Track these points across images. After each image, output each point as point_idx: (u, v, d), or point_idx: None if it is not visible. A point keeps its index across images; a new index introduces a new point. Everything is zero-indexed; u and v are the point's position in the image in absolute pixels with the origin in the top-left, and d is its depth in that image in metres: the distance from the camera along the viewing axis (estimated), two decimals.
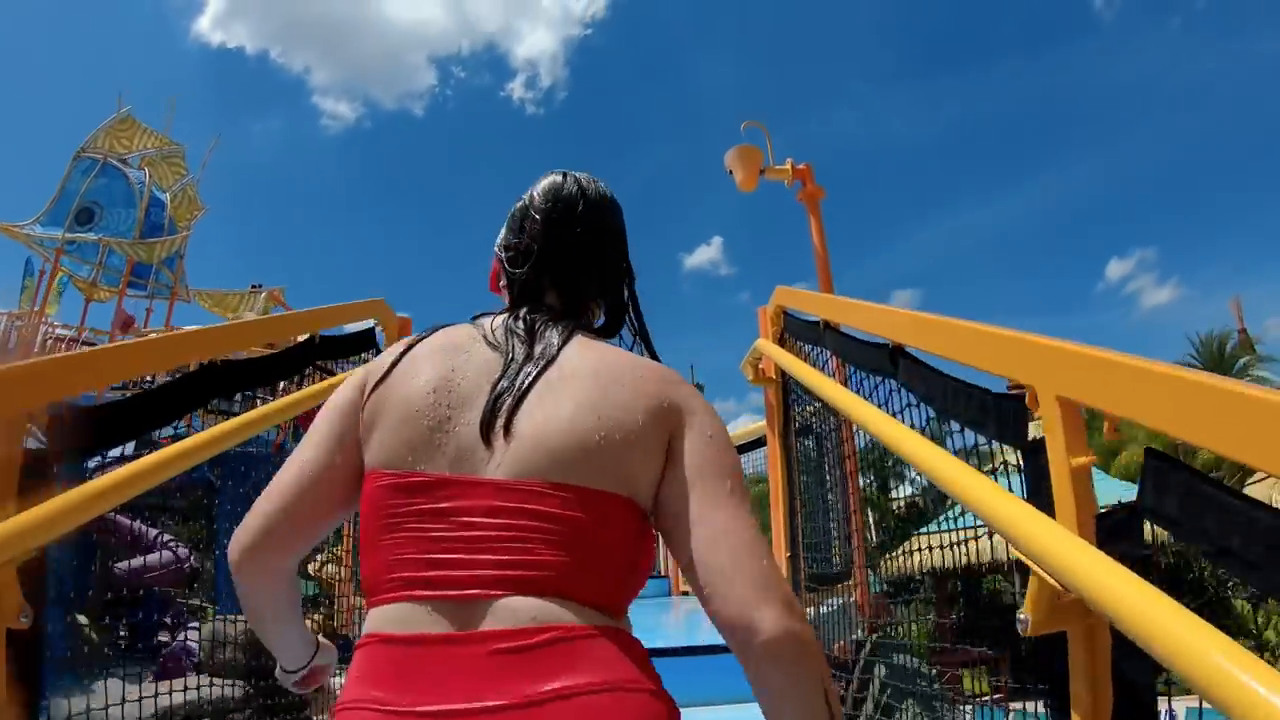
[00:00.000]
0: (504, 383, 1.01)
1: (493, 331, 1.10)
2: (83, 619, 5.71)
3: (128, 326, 14.95)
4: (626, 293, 1.26)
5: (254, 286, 21.01)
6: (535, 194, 1.23)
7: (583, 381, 1.01)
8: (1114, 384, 1.29)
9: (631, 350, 1.20)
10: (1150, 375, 1.19)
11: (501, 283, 1.24)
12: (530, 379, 1.01)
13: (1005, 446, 1.74)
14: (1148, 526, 1.32)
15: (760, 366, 4.40)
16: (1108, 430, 1.39)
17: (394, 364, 1.06)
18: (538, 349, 1.06)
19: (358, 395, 1.07)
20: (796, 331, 3.72)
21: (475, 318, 1.16)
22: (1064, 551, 1.17)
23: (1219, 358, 32.46)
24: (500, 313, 1.16)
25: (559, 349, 1.06)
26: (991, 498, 1.42)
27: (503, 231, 1.26)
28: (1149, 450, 1.29)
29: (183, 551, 7.11)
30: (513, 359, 1.05)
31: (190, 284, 18.93)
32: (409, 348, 1.09)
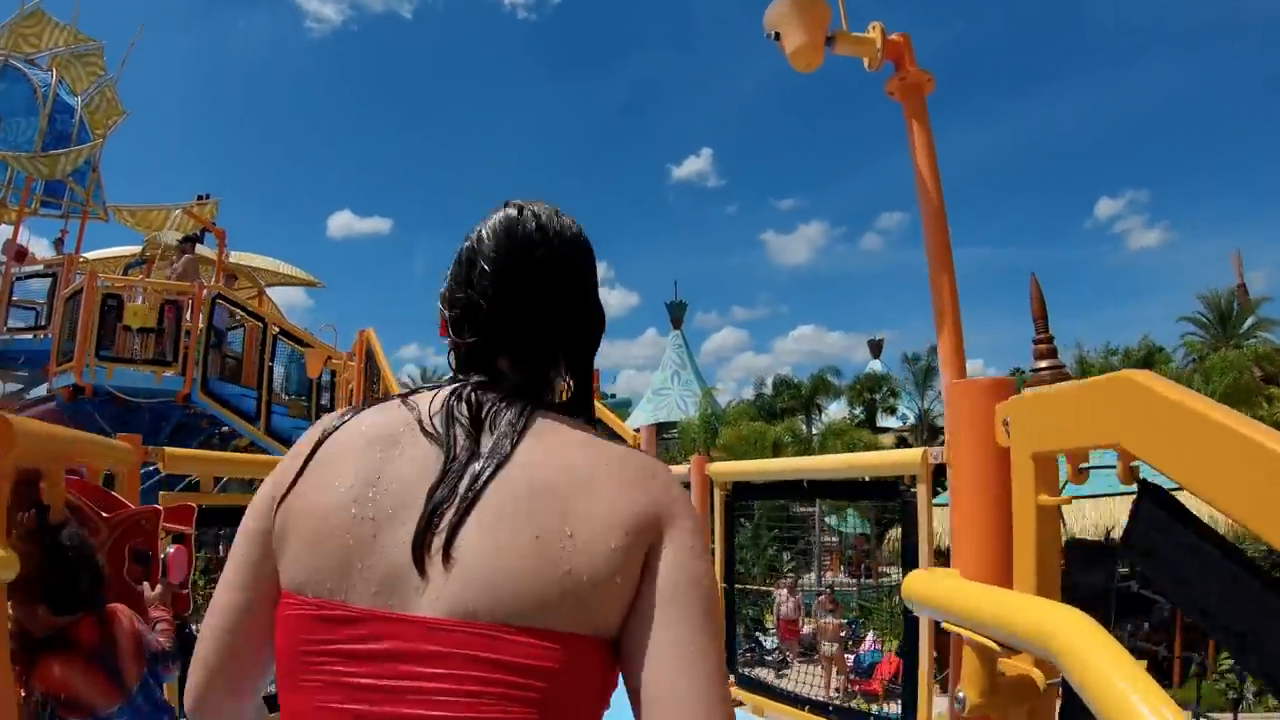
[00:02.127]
0: (443, 490, 0.86)
1: (431, 416, 0.92)
2: None
3: (22, 257, 13.05)
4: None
5: (200, 198, 18.91)
6: (484, 234, 1.03)
7: (546, 490, 0.85)
8: None
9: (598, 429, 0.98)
10: None
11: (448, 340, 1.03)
12: (478, 487, 0.85)
13: None
14: None
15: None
16: None
17: (306, 463, 0.91)
18: (487, 442, 0.89)
19: (268, 509, 0.93)
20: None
21: (407, 395, 0.98)
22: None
23: (1227, 316, 31.89)
24: (443, 385, 0.98)
25: (514, 442, 0.89)
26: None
27: (446, 277, 1.06)
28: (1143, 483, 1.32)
29: None
30: (455, 457, 0.88)
31: (110, 199, 17.00)
32: (324, 437, 0.93)
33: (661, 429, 42.68)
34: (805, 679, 4.69)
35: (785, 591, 15.93)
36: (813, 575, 21.30)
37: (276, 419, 11.13)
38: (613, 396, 50.73)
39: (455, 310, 1.03)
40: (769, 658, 13.82)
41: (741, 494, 4.75)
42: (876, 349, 53.67)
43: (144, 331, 11.08)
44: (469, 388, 0.96)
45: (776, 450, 26.91)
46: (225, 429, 11.56)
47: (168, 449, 3.41)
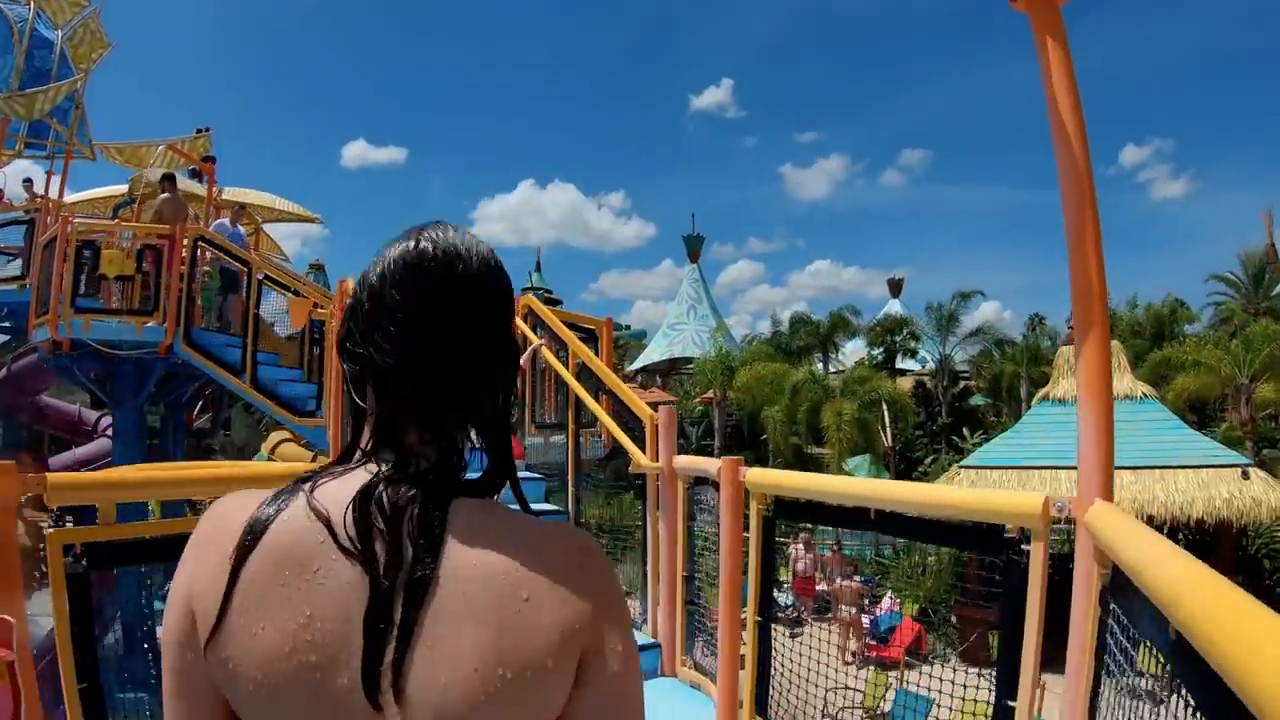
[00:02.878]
0: (378, 622, 0.81)
1: (346, 526, 0.84)
2: None
3: None
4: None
5: (199, 131, 18.21)
6: (388, 273, 0.92)
7: (479, 601, 0.83)
8: None
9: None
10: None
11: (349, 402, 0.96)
12: (412, 614, 0.81)
13: None
14: None
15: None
16: None
17: (225, 602, 0.83)
18: (409, 551, 0.84)
19: (192, 641, 0.86)
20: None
21: (308, 480, 0.90)
22: None
23: (1260, 277, 30.91)
24: (348, 469, 0.91)
25: (440, 546, 0.84)
26: None
27: (345, 320, 0.96)
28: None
29: None
30: (380, 579, 0.82)
31: (104, 136, 16.25)
32: (237, 562, 0.84)
33: (676, 364, 42.36)
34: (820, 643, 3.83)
35: (801, 547, 15.45)
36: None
37: (266, 370, 10.48)
38: (627, 328, 50.72)
39: (354, 366, 0.93)
40: (782, 614, 13.26)
41: (786, 512, 3.74)
42: (896, 288, 52.83)
43: (122, 279, 10.48)
44: (380, 485, 0.86)
45: (795, 395, 26.21)
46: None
47: (53, 475, 2.71)
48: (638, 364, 45.14)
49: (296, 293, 10.77)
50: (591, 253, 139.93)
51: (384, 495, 0.86)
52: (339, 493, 0.87)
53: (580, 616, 0.85)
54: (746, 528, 3.83)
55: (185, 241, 10.33)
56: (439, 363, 0.89)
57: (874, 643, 13.60)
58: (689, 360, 36.42)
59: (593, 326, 8.38)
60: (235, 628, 0.82)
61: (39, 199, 13.29)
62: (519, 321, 7.31)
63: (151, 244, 10.46)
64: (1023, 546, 2.57)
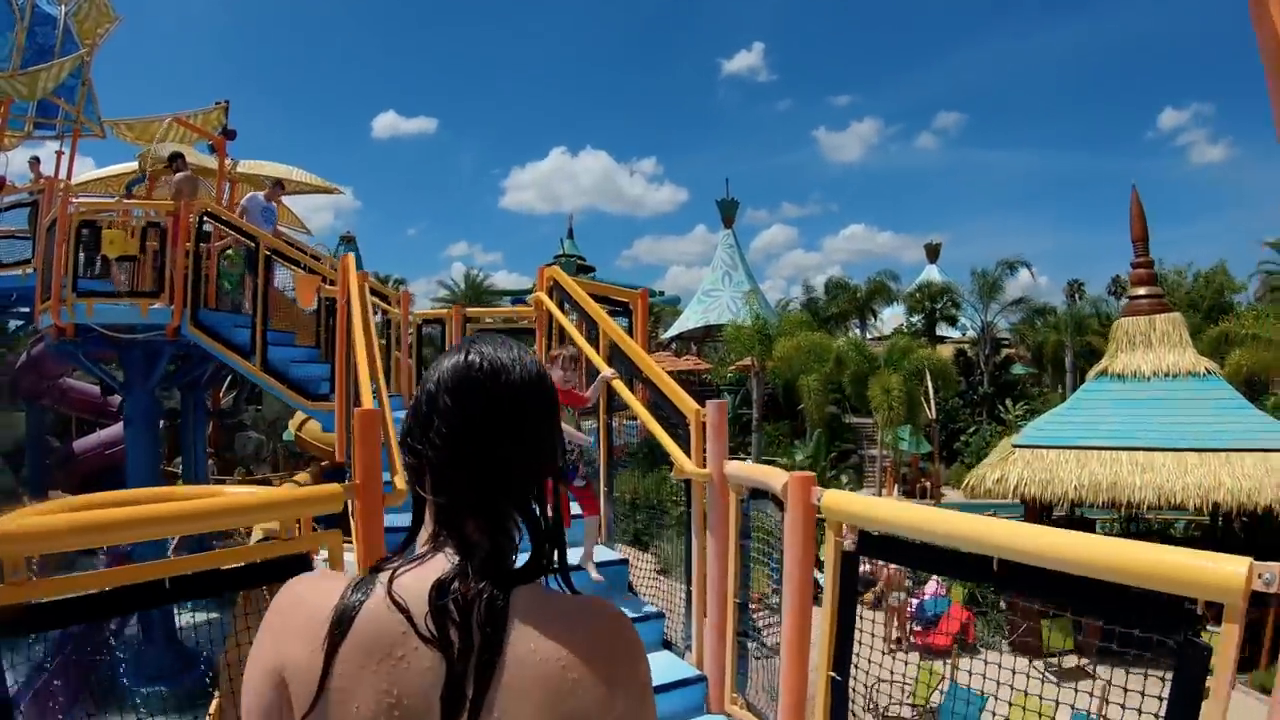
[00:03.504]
0: (453, 699, 0.95)
1: (425, 619, 0.98)
2: None
3: None
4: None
5: (219, 105, 17.80)
6: (442, 381, 1.07)
7: (536, 680, 0.98)
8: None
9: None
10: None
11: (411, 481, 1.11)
12: (484, 693, 0.96)
13: None
14: None
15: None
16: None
17: (323, 680, 0.96)
18: (478, 637, 0.97)
19: (280, 712, 0.99)
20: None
21: (382, 570, 1.03)
22: None
23: None
24: (421, 557, 1.05)
25: (504, 633, 0.99)
26: None
27: (407, 420, 1.11)
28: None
29: None
30: (455, 662, 0.96)
31: (119, 113, 15.96)
32: (331, 646, 0.97)
33: (711, 331, 41.70)
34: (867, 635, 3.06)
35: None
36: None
37: (279, 351, 9.83)
38: (661, 294, 50.52)
39: (414, 460, 1.07)
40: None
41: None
42: (934, 253, 51.80)
43: (126, 260, 9.94)
44: (453, 580, 0.99)
45: (838, 365, 25.34)
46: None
47: None
48: (672, 331, 44.59)
49: (307, 270, 10.08)
50: (624, 219, 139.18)
51: (456, 589, 0.98)
52: (415, 585, 0.99)
53: (609, 694, 1.00)
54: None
55: (191, 218, 9.69)
56: (486, 458, 1.03)
57: (919, 628, 12.89)
58: (722, 327, 35.64)
59: (626, 300, 7.42)
60: (334, 702, 0.94)
61: (45, 179, 12.66)
62: (543, 297, 6.62)
63: (157, 222, 9.88)
64: (1209, 627, 1.85)
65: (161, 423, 12.97)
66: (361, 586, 1.00)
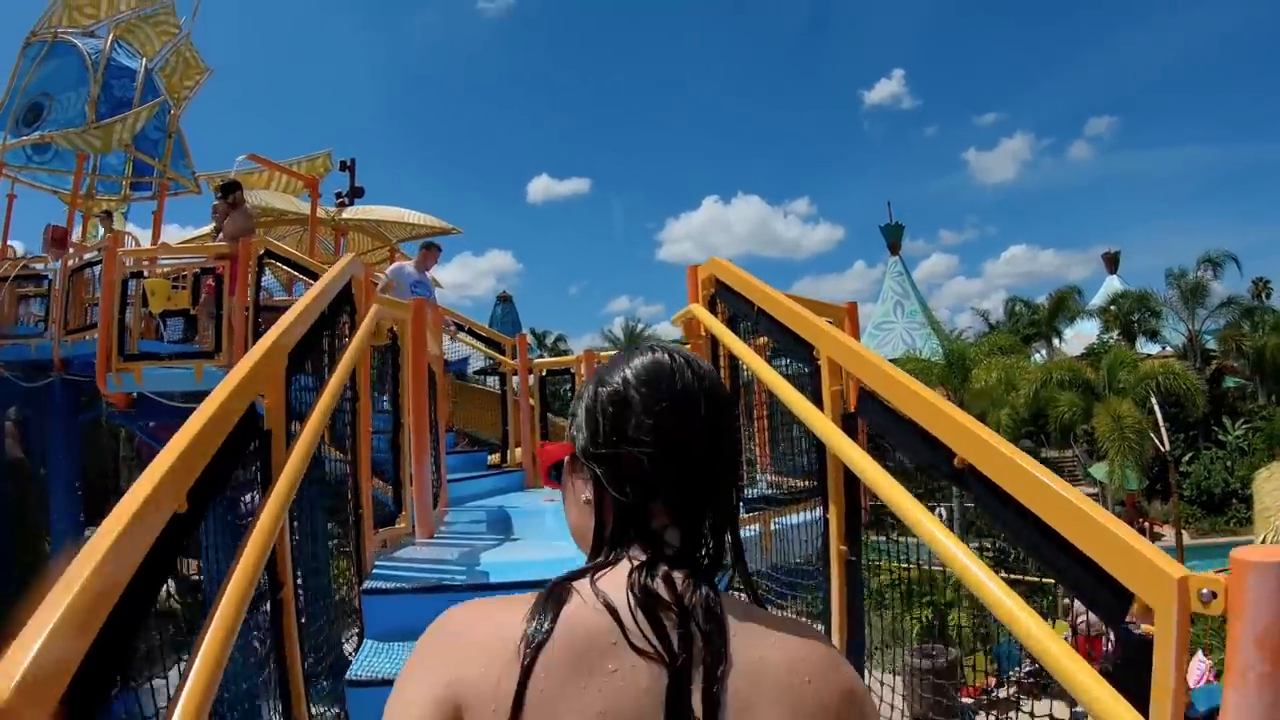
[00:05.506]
0: (681, 717, 0.81)
1: (637, 623, 0.84)
2: None
3: (61, 242, 10.30)
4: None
5: (342, 164, 17.05)
6: (630, 378, 0.98)
7: (771, 686, 0.84)
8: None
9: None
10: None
11: (584, 497, 0.98)
12: (716, 700, 0.81)
13: None
14: None
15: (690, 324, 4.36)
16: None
17: (517, 708, 0.81)
18: (699, 643, 0.84)
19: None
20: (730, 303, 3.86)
21: (583, 577, 0.90)
22: None
23: None
24: (610, 563, 0.92)
25: (726, 632, 0.85)
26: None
27: (578, 424, 1.00)
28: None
29: None
30: (680, 673, 0.82)
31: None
32: (533, 651, 0.83)
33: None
34: None
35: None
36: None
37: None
38: None
39: (605, 467, 0.95)
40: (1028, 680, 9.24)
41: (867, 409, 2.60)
42: (1113, 262, 46.81)
43: (172, 315, 8.14)
44: (653, 571, 0.88)
45: (1042, 389, 21.30)
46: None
47: None
48: None
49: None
50: (782, 262, 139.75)
51: (663, 584, 0.87)
52: (616, 592, 0.86)
53: (847, 699, 0.87)
54: None
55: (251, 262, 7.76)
56: (695, 450, 0.93)
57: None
58: (900, 361, 32.29)
59: (829, 318, 4.53)
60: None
61: (118, 235, 11.24)
62: (698, 310, 4.08)
63: (208, 267, 8.02)
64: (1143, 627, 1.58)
65: None
66: (552, 598, 0.86)
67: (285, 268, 8.28)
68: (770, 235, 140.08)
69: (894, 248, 44.60)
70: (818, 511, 3.14)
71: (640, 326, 46.99)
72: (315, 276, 7.61)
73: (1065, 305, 31.70)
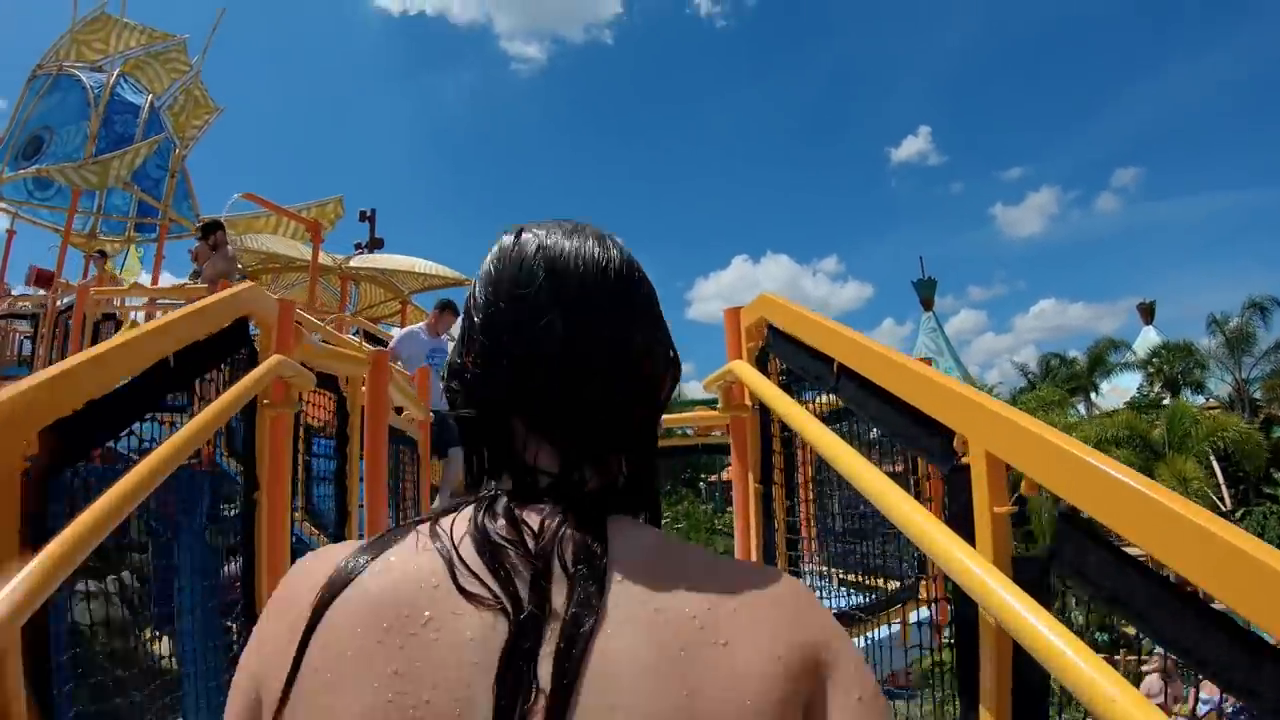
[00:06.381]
0: (513, 683, 0.59)
1: (463, 562, 0.64)
2: None
3: (44, 282, 9.67)
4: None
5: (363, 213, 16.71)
6: (501, 266, 0.77)
7: (658, 651, 0.60)
8: (1038, 454, 1.40)
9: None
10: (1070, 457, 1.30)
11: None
12: (567, 674, 0.59)
13: None
14: None
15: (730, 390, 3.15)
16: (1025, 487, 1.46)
17: (291, 679, 0.62)
18: (559, 595, 0.63)
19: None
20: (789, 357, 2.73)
21: (422, 521, 0.70)
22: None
23: None
24: (466, 503, 0.71)
25: (601, 590, 0.63)
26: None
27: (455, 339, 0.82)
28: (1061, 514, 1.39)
29: None
30: (524, 629, 0.61)
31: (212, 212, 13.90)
32: (319, 609, 0.64)
33: None
34: None
35: (1155, 675, 10.29)
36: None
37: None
38: None
39: (457, 382, 0.76)
40: None
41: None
42: (1149, 313, 45.61)
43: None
44: (503, 505, 0.68)
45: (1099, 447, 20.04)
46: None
47: None
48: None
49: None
50: None
51: (516, 516, 0.67)
52: (452, 528, 0.67)
53: (803, 659, 0.63)
54: None
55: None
56: (547, 345, 0.71)
57: None
58: None
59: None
60: (308, 707, 0.60)
61: (102, 276, 10.61)
62: (742, 370, 2.92)
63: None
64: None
65: None
66: (383, 539, 0.68)
67: None
68: (799, 293, 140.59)
69: (927, 303, 43.20)
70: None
71: None
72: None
73: (1103, 359, 30.50)
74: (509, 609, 0.61)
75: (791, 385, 2.81)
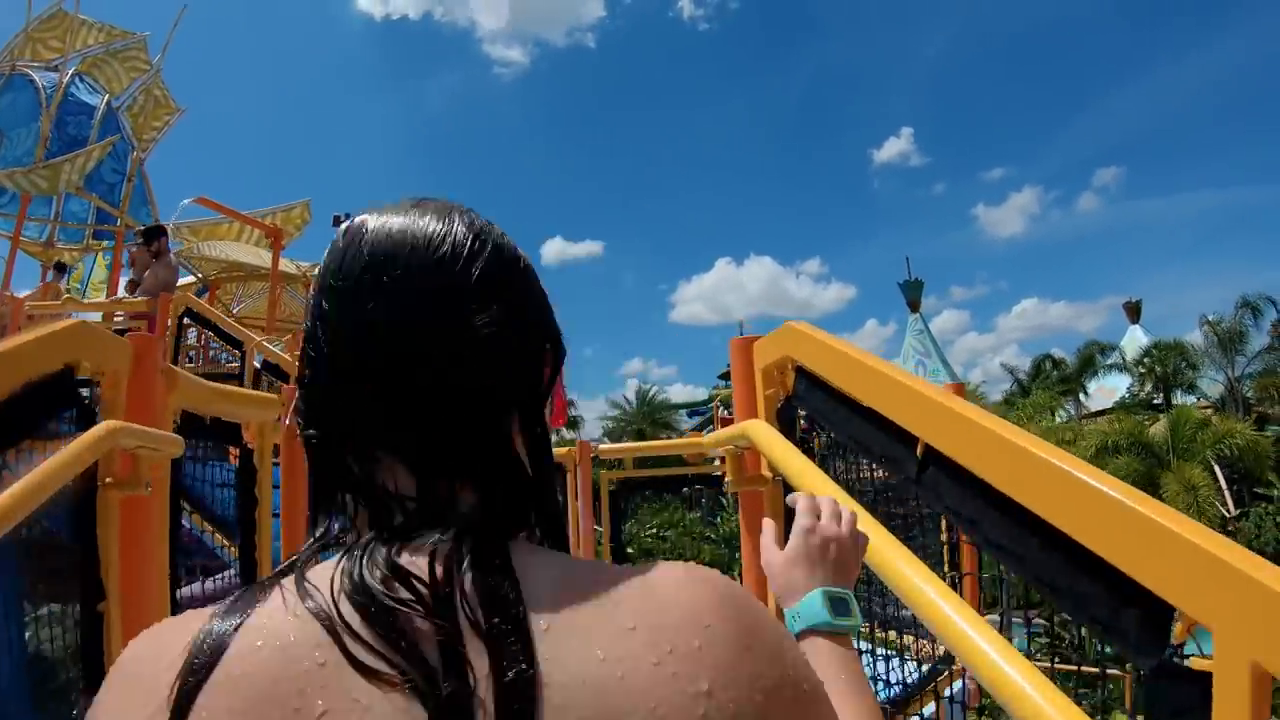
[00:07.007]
0: None
1: (349, 629, 0.51)
2: None
3: None
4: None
5: (338, 218, 15.30)
6: (328, 260, 0.65)
7: (591, 711, 0.49)
8: None
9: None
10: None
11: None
12: None
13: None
14: None
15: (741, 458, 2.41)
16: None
17: None
18: (479, 660, 0.50)
19: None
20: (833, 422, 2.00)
21: (297, 569, 0.57)
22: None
23: None
24: (326, 543, 0.60)
25: (527, 629, 0.51)
26: None
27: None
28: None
29: None
30: (446, 709, 0.48)
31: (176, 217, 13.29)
32: (189, 684, 0.51)
33: None
34: None
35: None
36: None
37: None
38: None
39: (310, 401, 0.63)
40: None
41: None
42: (1135, 312, 45.39)
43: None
44: (381, 552, 0.54)
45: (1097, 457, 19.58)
46: None
47: None
48: None
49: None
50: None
51: (399, 563, 0.53)
52: (333, 580, 0.53)
53: (767, 693, 0.52)
54: None
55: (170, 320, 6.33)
56: (370, 354, 0.59)
57: None
58: None
59: None
60: None
61: (46, 287, 9.95)
62: (758, 432, 2.22)
63: (123, 329, 6.62)
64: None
65: None
66: (242, 601, 0.55)
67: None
68: (782, 295, 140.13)
69: (914, 305, 42.63)
70: None
71: (654, 390, 45.27)
72: (239, 344, 6.16)
73: (1093, 361, 30.22)
74: (421, 687, 0.48)
75: (805, 439, 2.21)
